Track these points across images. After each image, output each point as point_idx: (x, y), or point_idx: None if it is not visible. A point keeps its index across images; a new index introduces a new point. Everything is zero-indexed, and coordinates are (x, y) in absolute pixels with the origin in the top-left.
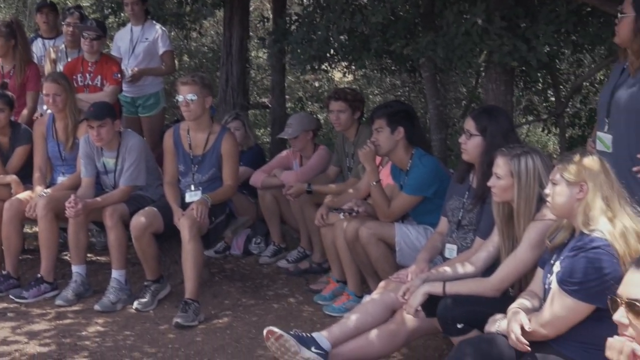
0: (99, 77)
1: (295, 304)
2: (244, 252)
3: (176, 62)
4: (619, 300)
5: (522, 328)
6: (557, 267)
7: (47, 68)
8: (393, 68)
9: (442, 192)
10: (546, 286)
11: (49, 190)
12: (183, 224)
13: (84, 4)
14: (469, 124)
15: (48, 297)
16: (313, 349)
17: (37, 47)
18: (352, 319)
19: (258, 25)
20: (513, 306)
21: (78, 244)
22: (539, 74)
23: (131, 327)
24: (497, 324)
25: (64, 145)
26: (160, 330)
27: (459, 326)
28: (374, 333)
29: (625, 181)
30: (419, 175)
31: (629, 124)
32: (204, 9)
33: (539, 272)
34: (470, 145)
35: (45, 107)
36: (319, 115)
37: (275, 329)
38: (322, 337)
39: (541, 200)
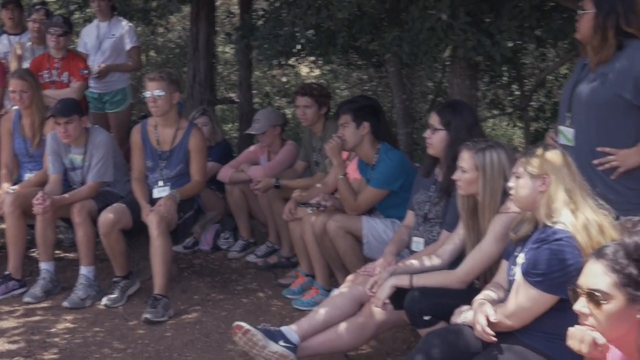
0: (66, 73)
1: (264, 299)
2: (212, 247)
3: (143, 57)
4: (579, 290)
5: (488, 319)
6: (521, 259)
7: (13, 65)
8: (359, 63)
9: (408, 186)
10: (511, 278)
11: (16, 187)
12: (151, 220)
13: (48, 0)
14: (434, 119)
15: (16, 294)
16: (281, 342)
17: (2, 44)
18: (321, 312)
19: (225, 20)
20: (479, 298)
21: (46, 241)
22: (503, 69)
23: (100, 323)
24: (463, 315)
25: (30, 142)
26: (129, 326)
27: (426, 318)
28: (342, 326)
29: (586, 174)
30: (385, 169)
31: (589, 118)
32: (171, 5)
33: (504, 264)
34: (435, 140)
35: (11, 104)
36: (286, 110)
37: (243, 324)
38: (291, 330)
39: (506, 194)
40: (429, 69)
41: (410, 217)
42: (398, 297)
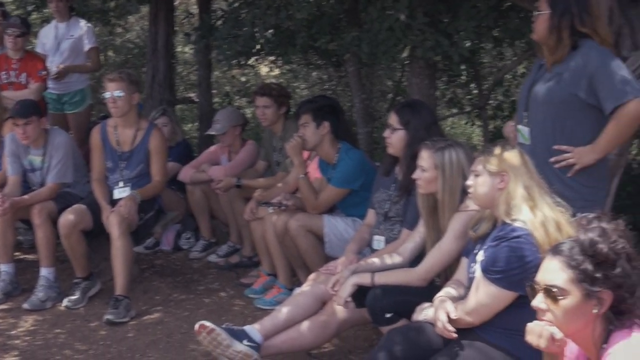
0: (24, 74)
1: (226, 298)
2: (173, 247)
3: (102, 58)
4: (536, 286)
5: (449, 316)
6: (480, 256)
7: None
8: (319, 63)
9: (368, 185)
10: (471, 275)
11: None
12: (112, 221)
13: (5, 1)
14: (393, 119)
15: None
16: (245, 341)
17: None
18: (283, 311)
19: (184, 20)
20: (439, 295)
21: (5, 242)
22: (461, 68)
23: (61, 324)
24: (424, 312)
25: None
26: (91, 327)
27: (388, 316)
28: (305, 325)
29: (543, 172)
30: (345, 169)
31: (545, 117)
32: (129, 5)
33: (464, 261)
34: (394, 139)
35: None
36: (246, 110)
37: (207, 323)
38: (254, 329)
39: (465, 192)
40: (388, 68)
41: (371, 215)
42: (360, 295)
